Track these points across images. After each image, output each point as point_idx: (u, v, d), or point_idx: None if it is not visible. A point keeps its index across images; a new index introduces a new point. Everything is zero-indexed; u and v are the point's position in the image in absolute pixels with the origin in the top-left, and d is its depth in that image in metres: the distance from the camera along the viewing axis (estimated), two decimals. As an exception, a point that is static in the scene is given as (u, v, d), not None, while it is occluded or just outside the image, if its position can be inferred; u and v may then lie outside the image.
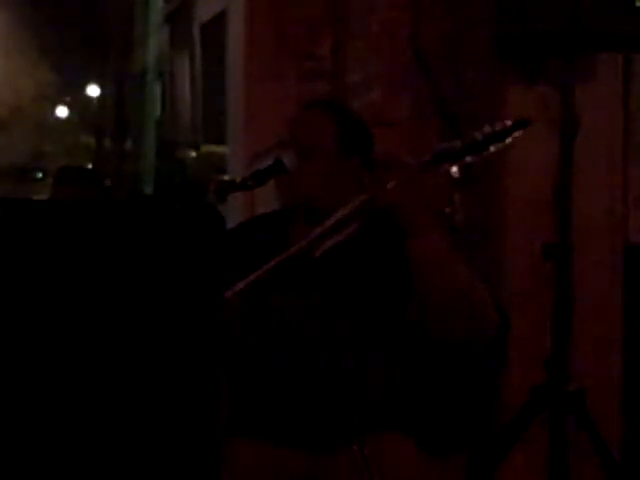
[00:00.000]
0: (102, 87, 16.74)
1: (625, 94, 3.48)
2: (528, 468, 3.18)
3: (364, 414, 2.14)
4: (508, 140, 2.10)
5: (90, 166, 13.87)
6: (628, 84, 3.48)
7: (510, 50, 3.24)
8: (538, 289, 3.27)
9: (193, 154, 11.45)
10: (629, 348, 3.43)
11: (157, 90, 12.36)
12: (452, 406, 2.29)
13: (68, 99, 18.65)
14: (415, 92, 3.44)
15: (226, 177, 4.08)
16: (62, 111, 18.79)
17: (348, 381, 2.15)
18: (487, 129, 2.10)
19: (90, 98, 18.05)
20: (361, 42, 3.47)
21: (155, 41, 11.98)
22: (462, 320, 2.11)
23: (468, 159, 2.10)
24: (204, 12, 11.02)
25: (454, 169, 2.12)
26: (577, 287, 3.09)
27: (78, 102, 18.45)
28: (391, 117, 3.40)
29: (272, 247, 2.21)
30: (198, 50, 11.83)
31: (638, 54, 3.39)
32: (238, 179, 2.25)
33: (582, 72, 3.21)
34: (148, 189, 10.63)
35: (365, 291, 2.21)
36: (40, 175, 15.75)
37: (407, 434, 2.15)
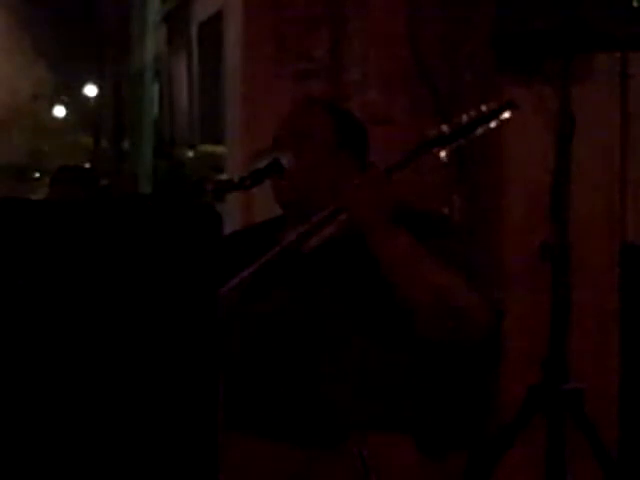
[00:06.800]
0: (100, 87, 16.73)
1: (623, 93, 3.48)
2: (526, 467, 3.18)
3: (363, 409, 2.14)
4: (495, 122, 2.12)
5: (88, 166, 13.86)
6: (625, 83, 3.48)
7: (508, 49, 3.25)
8: (536, 288, 3.27)
9: (191, 154, 11.45)
10: (626, 348, 3.43)
11: (155, 90, 12.36)
12: (449, 403, 2.29)
13: (65, 99, 18.64)
14: (412, 91, 3.44)
15: (224, 177, 4.08)
16: (60, 111, 18.77)
17: (347, 377, 2.15)
18: (473, 112, 2.12)
19: (88, 98, 18.03)
20: (358, 41, 3.47)
21: (152, 41, 11.98)
22: (439, 321, 2.12)
23: (456, 143, 2.12)
24: (201, 12, 11.02)
25: (443, 154, 2.14)
26: (575, 287, 3.09)
27: (76, 102, 18.45)
28: (388, 116, 3.40)
29: (264, 254, 2.22)
30: (195, 50, 11.83)
31: (636, 53, 3.39)
32: (236, 179, 2.26)
33: (580, 71, 3.21)
34: (146, 189, 10.63)
35: (362, 288, 2.21)
36: (37, 175, 15.73)
37: (406, 432, 2.15)
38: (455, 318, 2.12)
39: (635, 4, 3.01)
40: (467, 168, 3.37)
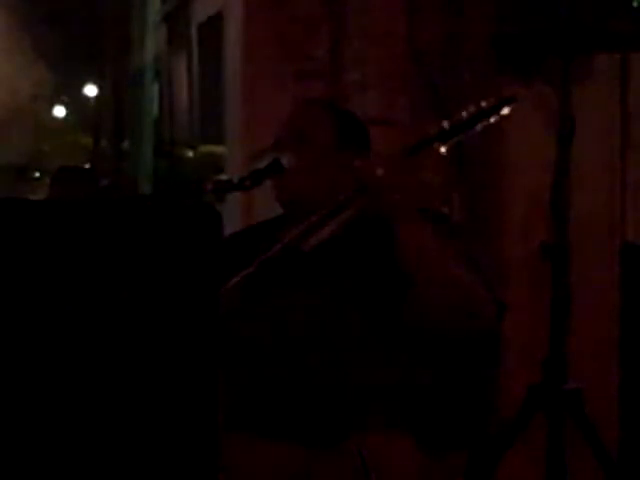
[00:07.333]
0: (100, 87, 16.73)
1: (623, 94, 3.48)
2: (526, 467, 3.18)
3: (363, 409, 2.15)
4: (495, 118, 2.13)
5: (88, 166, 13.86)
6: (626, 83, 3.48)
7: (508, 49, 3.25)
8: (536, 288, 3.27)
9: (191, 154, 11.45)
10: (626, 347, 3.43)
11: (155, 90, 12.35)
12: (450, 403, 2.29)
13: (65, 99, 18.65)
14: (413, 92, 3.44)
15: (224, 177, 4.08)
16: (60, 111, 18.78)
17: (348, 377, 2.15)
18: (472, 108, 2.12)
19: (88, 98, 18.04)
20: (358, 42, 3.47)
21: (152, 41, 11.98)
22: (446, 316, 2.12)
23: (457, 138, 2.13)
24: (201, 12, 11.03)
25: (443, 149, 2.14)
26: (575, 286, 3.09)
27: (76, 102, 18.45)
28: (388, 117, 3.40)
29: (265, 253, 2.23)
30: (195, 50, 11.83)
31: (635, 53, 3.39)
32: (236, 179, 2.26)
33: (580, 72, 3.22)
34: (146, 189, 10.62)
35: (363, 288, 2.21)
36: (37, 175, 15.74)
37: (407, 431, 2.15)
38: (461, 313, 2.12)
39: (635, 4, 3.02)
40: (467, 168, 3.37)
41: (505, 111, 2.14)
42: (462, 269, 2.15)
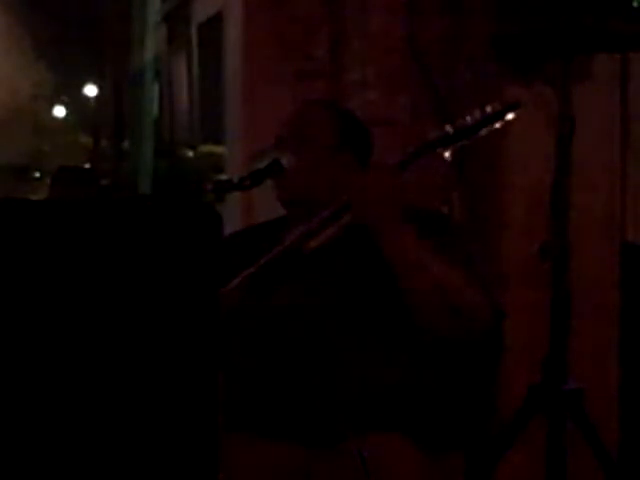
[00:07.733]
0: (100, 87, 16.75)
1: (623, 94, 3.48)
2: (526, 468, 3.18)
3: (363, 409, 2.15)
4: (499, 123, 2.13)
5: (88, 166, 13.88)
6: (626, 84, 3.48)
7: (508, 50, 3.25)
8: (536, 288, 3.27)
9: (191, 154, 11.46)
10: (627, 348, 3.43)
11: (155, 90, 12.35)
12: (450, 403, 2.30)
13: (65, 99, 18.66)
14: (413, 92, 3.44)
15: (224, 177, 4.09)
16: (60, 111, 18.80)
17: (348, 377, 2.15)
18: (477, 113, 2.12)
19: (88, 98, 18.06)
20: (359, 42, 3.47)
21: (153, 41, 11.98)
22: (442, 319, 2.12)
23: (460, 143, 2.13)
24: (201, 12, 11.03)
25: (447, 154, 2.14)
26: (575, 286, 3.09)
27: (76, 102, 18.46)
28: (388, 116, 3.40)
29: (267, 254, 2.23)
30: (195, 50, 11.84)
31: (635, 53, 3.39)
32: (236, 179, 2.26)
33: (580, 72, 3.21)
34: (146, 189, 10.62)
35: (362, 288, 2.22)
36: (38, 175, 15.76)
37: (406, 432, 2.15)
38: (457, 316, 2.12)
39: (635, 4, 3.01)
40: (467, 168, 3.37)
41: (509, 116, 2.14)
42: (458, 271, 2.15)
